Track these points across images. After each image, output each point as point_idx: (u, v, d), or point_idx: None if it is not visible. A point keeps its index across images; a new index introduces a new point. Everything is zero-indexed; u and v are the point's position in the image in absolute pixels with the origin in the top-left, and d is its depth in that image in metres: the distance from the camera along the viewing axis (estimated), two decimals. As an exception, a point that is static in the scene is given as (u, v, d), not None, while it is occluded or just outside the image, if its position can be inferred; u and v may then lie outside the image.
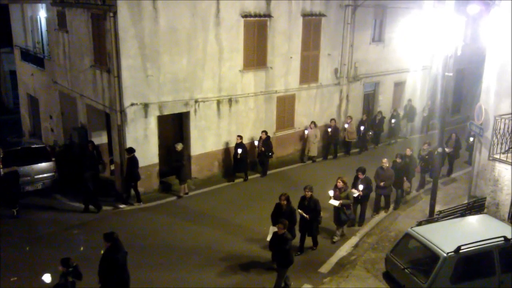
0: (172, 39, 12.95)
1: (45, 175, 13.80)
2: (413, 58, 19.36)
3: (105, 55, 12.95)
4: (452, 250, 7.98)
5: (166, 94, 13.27)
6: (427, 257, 8.44)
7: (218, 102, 14.48)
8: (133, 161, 12.61)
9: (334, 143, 17.11)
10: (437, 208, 11.13)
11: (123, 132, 12.81)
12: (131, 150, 12.63)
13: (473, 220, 9.73)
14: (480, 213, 10.21)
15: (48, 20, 17.18)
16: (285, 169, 16.10)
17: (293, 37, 15.80)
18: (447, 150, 14.47)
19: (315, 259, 10.33)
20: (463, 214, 10.02)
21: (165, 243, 10.96)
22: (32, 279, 9.36)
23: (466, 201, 11.47)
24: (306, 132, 16.54)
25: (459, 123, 20.64)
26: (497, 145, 10.32)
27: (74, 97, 15.78)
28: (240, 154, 14.16)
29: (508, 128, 10.20)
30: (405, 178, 12.98)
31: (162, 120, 13.63)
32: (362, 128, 17.67)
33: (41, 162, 13.76)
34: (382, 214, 12.63)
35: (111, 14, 12.03)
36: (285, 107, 16.40)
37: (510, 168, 10.18)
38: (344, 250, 10.78)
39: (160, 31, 12.67)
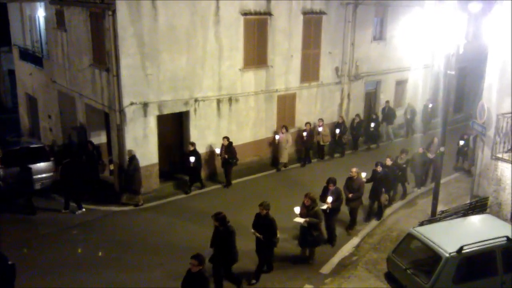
0: (172, 37, 12.86)
1: (44, 175, 13.71)
2: (414, 56, 19.27)
3: (104, 54, 12.87)
4: (455, 250, 7.93)
5: (166, 93, 13.18)
6: (429, 257, 8.39)
7: (218, 101, 14.39)
8: (72, 168, 12.41)
9: (309, 147, 16.22)
10: (439, 208, 11.05)
11: (122, 131, 12.73)
12: (68, 157, 12.79)
13: (475, 220, 9.66)
14: (483, 213, 10.14)
15: (46, 19, 17.10)
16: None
17: (294, 35, 15.71)
18: (429, 156, 13.88)
19: (317, 259, 10.23)
20: (465, 214, 9.95)
21: (165, 243, 10.89)
22: (32, 279, 9.28)
23: (468, 201, 11.41)
24: (276, 137, 15.45)
25: (461, 122, 20.53)
26: (500, 144, 10.23)
27: (73, 96, 15.70)
28: (193, 163, 13.16)
29: (510, 127, 10.11)
30: (383, 190, 11.98)
31: (162, 120, 13.54)
32: (337, 131, 16.60)
33: (40, 162, 13.67)
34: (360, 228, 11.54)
35: (110, 13, 11.94)
36: (286, 106, 16.32)
37: (513, 167, 10.10)
38: (345, 250, 10.70)
39: (159, 29, 12.58)
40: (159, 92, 13.03)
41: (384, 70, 19.03)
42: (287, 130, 15.44)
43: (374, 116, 18.12)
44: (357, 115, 17.67)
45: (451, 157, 15.23)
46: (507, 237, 8.27)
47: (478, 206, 10.51)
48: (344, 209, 11.15)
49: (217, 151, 13.92)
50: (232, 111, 14.80)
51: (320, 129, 16.26)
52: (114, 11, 11.88)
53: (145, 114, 12.93)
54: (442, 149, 10.70)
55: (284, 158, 15.60)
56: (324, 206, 10.27)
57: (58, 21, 15.71)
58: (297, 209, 9.60)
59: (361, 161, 13.93)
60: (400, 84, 20.06)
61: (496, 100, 10.78)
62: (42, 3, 17.15)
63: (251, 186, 14.47)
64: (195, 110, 13.92)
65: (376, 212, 12.12)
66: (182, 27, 13.00)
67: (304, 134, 15.99)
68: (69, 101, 16.16)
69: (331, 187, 10.43)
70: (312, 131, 16.20)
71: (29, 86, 19.84)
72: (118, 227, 11.83)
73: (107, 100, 13.23)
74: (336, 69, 17.45)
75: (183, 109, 13.74)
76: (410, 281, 8.38)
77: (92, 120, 15.05)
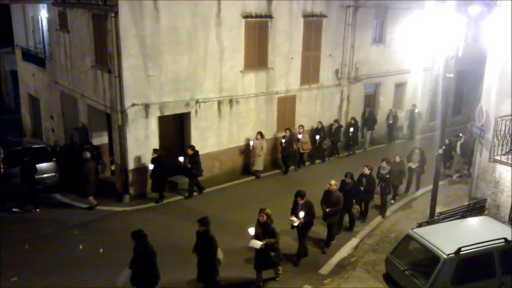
0: (173, 39, 12.95)
1: (46, 175, 13.80)
2: (414, 59, 19.34)
3: (106, 55, 12.97)
4: (453, 251, 7.96)
5: (167, 95, 13.27)
6: (427, 259, 8.43)
7: (219, 103, 14.48)
8: (30, 167, 12.44)
9: (288, 155, 15.44)
10: (438, 209, 11.09)
11: (124, 132, 12.82)
12: (27, 156, 12.74)
13: (473, 221, 9.72)
14: (481, 215, 10.20)
15: (49, 20, 17.22)
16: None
17: (294, 38, 15.80)
18: (411, 166, 13.57)
19: (316, 260, 10.31)
20: (463, 216, 10.03)
21: (166, 243, 10.94)
22: (33, 279, 9.37)
23: (466, 203, 11.47)
24: (251, 143, 14.85)
25: (460, 124, 20.61)
26: (498, 146, 10.29)
27: (75, 97, 15.80)
28: (152, 170, 12.66)
29: (509, 129, 10.18)
30: (354, 201, 11.35)
31: (163, 121, 13.63)
32: (317, 137, 16.12)
33: (42, 162, 13.76)
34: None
35: (112, 14, 12.04)
36: (286, 108, 16.39)
37: (511, 170, 10.16)
38: (344, 251, 10.77)
39: (161, 31, 12.68)
40: (160, 93, 13.12)
41: (384, 72, 19.11)
42: (262, 136, 14.83)
43: (353, 121, 17.44)
44: (336, 120, 17.16)
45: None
46: (505, 239, 8.30)
47: (476, 208, 10.59)
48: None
49: (181, 159, 13.19)
50: (232, 112, 14.88)
51: (300, 136, 15.64)
52: (116, 13, 11.98)
53: (147, 115, 13.02)
54: (440, 151, 10.76)
55: (258, 166, 14.94)
56: (296, 223, 9.60)
57: (60, 23, 15.82)
58: (251, 230, 8.65)
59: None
60: (400, 87, 20.13)
61: (494, 103, 10.85)
62: (45, 5, 17.28)
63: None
64: (196, 111, 14.01)
65: (348, 226, 11.55)
66: (184, 29, 13.09)
67: (283, 140, 15.21)
68: (71, 102, 16.27)
69: (300, 201, 9.61)
70: (292, 138, 15.47)
71: (31, 86, 19.95)
72: (119, 227, 11.88)
73: (109, 101, 13.32)
74: (336, 71, 17.53)
75: (184, 110, 13.83)
76: (409, 282, 8.40)
77: (94, 121, 15.14)
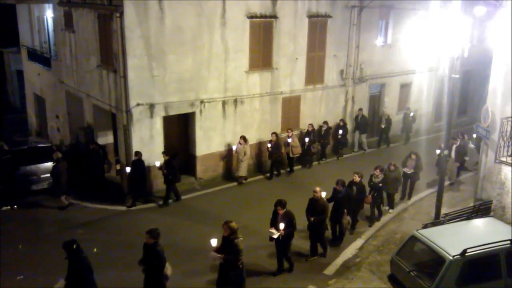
0: (178, 39, 12.98)
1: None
2: (419, 59, 19.27)
3: (111, 55, 13.02)
4: (458, 253, 7.94)
5: (172, 95, 13.30)
6: (432, 260, 8.39)
7: (224, 103, 14.49)
8: (10, 165, 12.47)
9: (275, 160, 14.86)
10: (443, 210, 11.05)
11: (129, 132, 12.86)
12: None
13: (479, 223, 9.67)
14: (486, 216, 10.15)
15: (55, 20, 17.30)
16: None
17: (299, 38, 15.78)
18: (406, 171, 13.07)
19: (320, 261, 10.29)
20: (469, 217, 9.99)
21: (168, 243, 10.81)
22: (35, 278, 9.39)
23: (472, 204, 11.42)
24: (233, 148, 14.29)
25: (466, 125, 20.52)
26: (504, 147, 10.24)
27: (81, 97, 15.87)
28: (129, 173, 12.39)
29: (515, 130, 10.13)
30: (345, 211, 10.65)
31: (168, 121, 13.66)
32: (306, 140, 15.50)
33: (47, 161, 13.82)
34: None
35: (118, 14, 12.09)
36: (291, 108, 16.38)
37: (517, 171, 10.11)
38: (349, 252, 10.74)
39: (166, 31, 12.71)
40: (165, 93, 13.15)
41: (389, 73, 19.05)
42: (245, 141, 14.18)
43: (342, 123, 16.88)
44: (325, 122, 16.59)
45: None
46: (511, 240, 8.27)
47: (482, 209, 10.55)
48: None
49: (157, 164, 12.77)
50: (237, 112, 14.88)
51: (289, 140, 15.06)
52: (121, 13, 12.02)
53: (152, 115, 13.05)
54: (446, 152, 10.72)
55: (242, 171, 14.35)
56: (275, 235, 9.00)
57: (66, 22, 15.89)
58: (213, 241, 7.97)
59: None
60: (405, 87, 20.06)
61: (500, 104, 10.81)
62: (51, 5, 17.36)
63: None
64: (200, 111, 14.02)
65: (337, 237, 10.86)
66: (189, 29, 13.12)
67: (269, 145, 14.67)
68: (77, 102, 16.33)
69: (280, 211, 9.05)
70: (279, 142, 15.01)
71: (37, 86, 20.04)
72: (122, 226, 11.92)
73: (114, 101, 13.36)
74: (341, 71, 17.50)
75: (189, 110, 13.85)
76: (413, 283, 8.38)
77: (99, 121, 15.20)
